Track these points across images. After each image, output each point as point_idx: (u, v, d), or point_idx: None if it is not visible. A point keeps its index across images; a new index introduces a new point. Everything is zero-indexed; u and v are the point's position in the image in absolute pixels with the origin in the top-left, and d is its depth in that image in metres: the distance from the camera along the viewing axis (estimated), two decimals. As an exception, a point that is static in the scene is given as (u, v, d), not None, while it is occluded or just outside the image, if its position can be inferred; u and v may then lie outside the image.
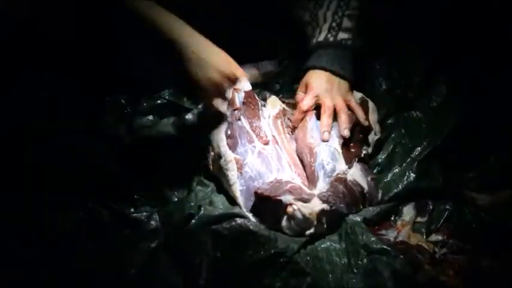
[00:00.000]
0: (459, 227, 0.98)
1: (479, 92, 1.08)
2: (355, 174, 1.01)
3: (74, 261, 0.80)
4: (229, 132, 1.00)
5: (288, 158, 1.02)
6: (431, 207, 1.01)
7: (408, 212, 1.02)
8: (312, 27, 1.13)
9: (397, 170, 1.04)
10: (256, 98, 1.07)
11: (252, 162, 0.97)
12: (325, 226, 0.91)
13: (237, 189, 0.95)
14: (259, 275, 0.70)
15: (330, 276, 0.76)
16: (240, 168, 0.96)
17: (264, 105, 1.10)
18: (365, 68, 1.17)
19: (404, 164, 1.04)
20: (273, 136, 1.05)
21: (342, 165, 1.00)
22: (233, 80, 0.99)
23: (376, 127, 1.11)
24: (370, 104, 1.12)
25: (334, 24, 1.09)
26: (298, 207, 0.89)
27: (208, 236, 0.67)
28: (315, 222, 0.89)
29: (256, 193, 0.92)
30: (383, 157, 1.08)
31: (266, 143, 1.02)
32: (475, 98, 1.08)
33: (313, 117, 1.06)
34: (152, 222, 0.81)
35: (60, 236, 0.86)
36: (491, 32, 1.13)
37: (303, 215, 0.88)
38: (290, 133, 1.08)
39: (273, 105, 1.11)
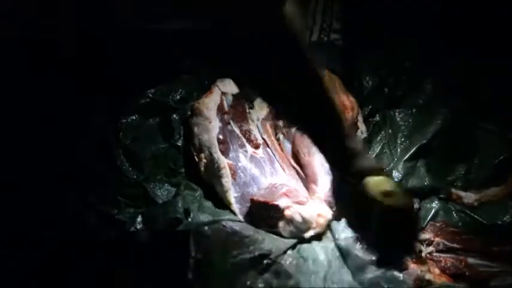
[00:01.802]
0: (445, 226, 0.98)
1: (465, 91, 1.09)
2: None
3: (58, 263, 0.79)
4: (221, 137, 0.99)
5: (280, 161, 1.01)
6: (417, 206, 1.02)
7: (395, 210, 1.02)
8: None
9: (384, 169, 1.03)
10: (245, 102, 1.07)
11: (245, 167, 0.97)
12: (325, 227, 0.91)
13: (231, 195, 0.94)
14: (241, 276, 0.70)
15: (313, 277, 0.76)
16: (233, 174, 0.95)
17: (252, 108, 1.09)
18: (353, 66, 1.17)
19: (391, 164, 1.04)
20: (263, 139, 1.04)
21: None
22: None
23: (362, 126, 1.11)
24: (355, 104, 1.11)
25: (324, 25, 1.15)
26: (296, 210, 0.88)
27: (191, 237, 0.66)
28: (314, 225, 0.89)
29: (252, 200, 0.91)
30: (372, 156, 1.07)
31: (257, 147, 1.01)
32: (461, 97, 1.08)
33: None
34: (136, 225, 0.80)
35: (44, 238, 0.85)
36: (476, 32, 1.13)
37: (303, 218, 0.87)
38: (282, 134, 1.08)
39: (261, 107, 1.09)
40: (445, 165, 1.05)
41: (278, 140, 1.07)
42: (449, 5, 1.15)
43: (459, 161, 1.05)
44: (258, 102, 1.10)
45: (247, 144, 1.01)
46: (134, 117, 1.03)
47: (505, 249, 0.92)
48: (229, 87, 1.05)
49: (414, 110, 1.09)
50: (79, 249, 0.80)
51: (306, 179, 0.99)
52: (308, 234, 0.89)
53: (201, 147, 0.99)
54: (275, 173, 0.98)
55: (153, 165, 0.98)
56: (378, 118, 1.11)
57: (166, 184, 0.94)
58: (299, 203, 0.90)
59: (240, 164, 0.97)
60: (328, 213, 0.90)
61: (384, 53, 1.18)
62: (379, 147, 1.07)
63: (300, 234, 0.89)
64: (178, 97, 1.08)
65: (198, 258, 0.64)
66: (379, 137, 1.08)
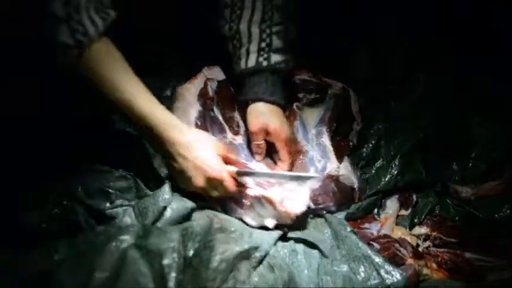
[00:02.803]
0: (442, 220, 0.97)
1: (461, 86, 1.08)
2: (346, 170, 1.00)
3: (46, 259, 0.76)
4: (199, 123, 0.96)
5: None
6: (414, 201, 1.01)
7: (391, 205, 1.01)
8: (234, 45, 0.97)
9: (381, 163, 1.03)
10: (231, 88, 1.04)
11: None
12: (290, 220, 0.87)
13: None
14: (234, 271, 0.67)
15: (306, 271, 0.74)
16: None
17: None
18: (350, 59, 1.16)
19: (388, 158, 1.03)
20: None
21: (333, 163, 0.99)
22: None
23: (358, 117, 1.09)
24: (352, 94, 1.10)
25: (263, 44, 0.95)
26: (260, 194, 0.85)
27: (179, 234, 0.64)
28: (275, 212, 0.85)
29: None
30: (368, 150, 1.06)
31: (237, 133, 1.00)
32: (458, 92, 1.08)
33: (295, 119, 1.04)
34: (127, 218, 0.77)
35: (33, 234, 0.83)
36: (471, 29, 1.12)
37: (264, 202, 0.85)
38: None
39: None
40: (442, 159, 1.04)
41: None
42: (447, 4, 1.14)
43: (456, 155, 1.04)
44: None
45: (228, 131, 0.99)
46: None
47: (502, 243, 0.91)
48: (216, 73, 1.03)
49: (411, 105, 1.08)
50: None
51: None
52: (269, 222, 0.86)
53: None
54: (250, 159, 0.97)
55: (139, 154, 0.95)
56: (375, 112, 1.10)
57: (153, 174, 0.91)
58: (262, 186, 0.88)
59: None
60: (295, 207, 0.86)
61: (379, 48, 1.16)
62: (376, 140, 1.05)
63: (262, 220, 0.86)
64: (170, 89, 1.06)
65: (187, 255, 0.61)
66: (375, 130, 1.07)
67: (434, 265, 0.88)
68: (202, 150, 0.81)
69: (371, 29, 1.18)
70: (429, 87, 1.09)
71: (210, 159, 0.81)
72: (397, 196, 1.01)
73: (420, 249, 0.93)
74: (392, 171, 1.01)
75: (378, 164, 1.04)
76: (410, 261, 0.84)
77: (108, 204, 0.83)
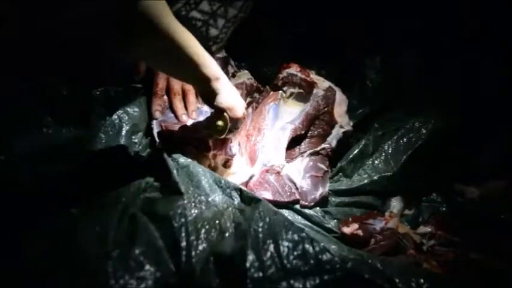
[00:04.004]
0: (447, 219, 0.97)
1: (469, 86, 1.09)
2: (293, 169, 1.01)
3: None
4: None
5: None
6: (419, 200, 1.02)
7: (396, 204, 1.02)
8: None
9: (383, 162, 1.04)
10: (230, 67, 1.08)
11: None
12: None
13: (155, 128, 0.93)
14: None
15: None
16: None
17: (234, 76, 1.10)
18: (355, 64, 1.18)
19: (393, 157, 1.04)
20: None
21: (280, 159, 1.00)
22: None
23: (343, 120, 1.09)
24: (338, 95, 1.10)
25: (192, 1, 0.99)
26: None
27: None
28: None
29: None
30: (369, 149, 1.07)
31: None
32: (465, 92, 1.08)
33: (274, 102, 1.07)
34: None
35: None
36: (477, 32, 1.14)
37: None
38: (252, 108, 1.09)
39: (240, 77, 1.10)
40: (447, 159, 1.04)
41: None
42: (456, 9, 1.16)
43: (462, 155, 1.05)
44: (241, 74, 1.11)
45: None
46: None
47: (507, 243, 0.91)
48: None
49: (416, 105, 1.09)
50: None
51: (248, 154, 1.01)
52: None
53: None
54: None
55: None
56: (380, 113, 1.12)
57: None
58: None
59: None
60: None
61: (383, 54, 1.17)
62: (382, 141, 1.07)
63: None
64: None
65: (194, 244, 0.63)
66: (382, 132, 1.08)
67: (434, 263, 0.88)
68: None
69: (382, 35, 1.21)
70: (437, 89, 1.10)
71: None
72: (401, 195, 1.02)
73: (424, 248, 0.93)
74: (397, 170, 1.02)
75: (380, 162, 1.05)
76: (411, 251, 0.85)
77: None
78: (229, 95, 0.85)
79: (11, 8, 0.80)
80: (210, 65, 0.83)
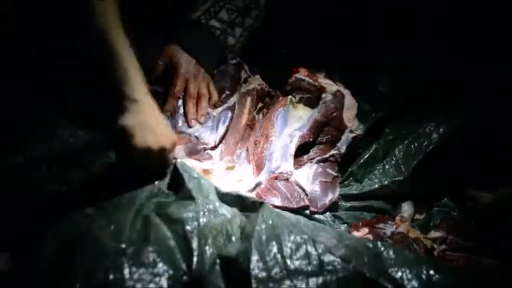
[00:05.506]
0: (459, 224, 0.97)
1: (481, 91, 1.09)
2: (301, 176, 1.00)
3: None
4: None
5: (228, 126, 1.05)
6: (430, 204, 1.02)
7: (407, 208, 1.02)
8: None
9: (394, 167, 1.04)
10: (244, 72, 1.10)
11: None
12: None
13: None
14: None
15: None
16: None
17: (246, 81, 1.10)
18: (366, 69, 1.18)
19: (404, 161, 1.04)
20: (234, 104, 1.07)
21: (288, 166, 0.99)
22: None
23: (353, 124, 1.07)
24: (347, 99, 1.08)
25: (212, 9, 1.04)
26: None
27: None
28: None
29: None
30: (386, 156, 1.07)
31: (216, 106, 1.05)
32: (477, 97, 1.08)
33: (283, 108, 1.07)
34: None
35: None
36: (489, 36, 1.14)
37: None
38: (262, 114, 1.10)
39: (252, 83, 1.11)
40: (458, 163, 1.04)
41: (253, 118, 1.09)
42: (465, 14, 1.16)
43: (474, 160, 1.04)
44: (253, 79, 1.12)
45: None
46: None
47: (519, 249, 0.90)
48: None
49: (428, 109, 1.09)
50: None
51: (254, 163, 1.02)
52: None
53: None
54: (215, 132, 1.03)
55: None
56: (392, 118, 1.12)
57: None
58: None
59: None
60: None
61: (395, 58, 1.17)
62: (392, 146, 1.07)
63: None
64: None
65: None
66: (393, 137, 1.08)
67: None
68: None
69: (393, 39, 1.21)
70: (448, 94, 1.10)
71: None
72: (412, 200, 1.03)
73: (435, 252, 0.93)
74: (409, 175, 1.02)
75: (390, 167, 1.05)
76: (422, 255, 0.85)
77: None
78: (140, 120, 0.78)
79: (11, 8, 0.83)
80: (134, 85, 0.79)
